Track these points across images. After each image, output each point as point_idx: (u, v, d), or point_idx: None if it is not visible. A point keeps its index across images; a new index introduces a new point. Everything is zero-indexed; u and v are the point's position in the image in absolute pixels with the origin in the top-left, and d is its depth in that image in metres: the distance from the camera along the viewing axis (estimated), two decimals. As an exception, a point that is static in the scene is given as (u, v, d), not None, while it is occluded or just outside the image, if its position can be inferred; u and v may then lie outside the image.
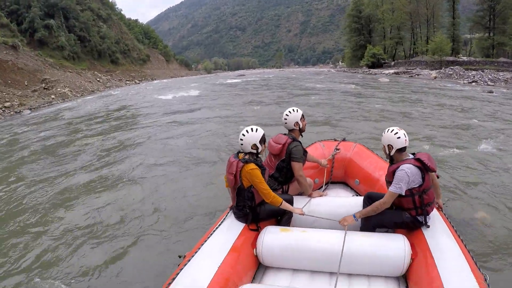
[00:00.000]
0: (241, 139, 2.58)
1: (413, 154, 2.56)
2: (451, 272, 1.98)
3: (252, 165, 2.47)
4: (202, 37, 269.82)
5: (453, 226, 2.53)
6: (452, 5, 46.10)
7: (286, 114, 3.12)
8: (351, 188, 3.82)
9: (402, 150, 2.54)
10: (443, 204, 2.87)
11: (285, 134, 3.13)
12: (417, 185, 2.43)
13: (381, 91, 18.37)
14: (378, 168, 3.45)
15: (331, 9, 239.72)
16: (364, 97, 15.41)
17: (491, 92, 19.41)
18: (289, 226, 2.78)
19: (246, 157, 2.56)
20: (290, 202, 2.79)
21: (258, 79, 32.61)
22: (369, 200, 2.69)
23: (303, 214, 2.71)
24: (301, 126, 3.15)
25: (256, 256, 2.48)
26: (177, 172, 5.69)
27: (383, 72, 38.97)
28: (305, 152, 3.09)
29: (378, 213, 2.50)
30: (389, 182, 2.53)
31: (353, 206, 2.80)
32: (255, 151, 2.59)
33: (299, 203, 2.90)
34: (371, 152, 3.86)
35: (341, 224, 2.53)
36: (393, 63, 47.93)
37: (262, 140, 2.61)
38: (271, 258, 2.46)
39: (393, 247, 2.31)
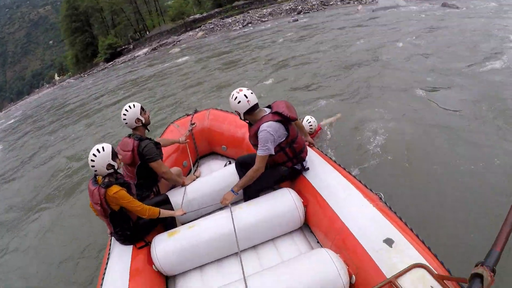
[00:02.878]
0: (93, 166, 2.24)
1: (269, 106, 2.39)
2: (344, 202, 2.02)
3: (114, 188, 2.21)
4: None
5: (331, 158, 2.54)
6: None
7: (124, 114, 2.70)
8: (222, 155, 3.72)
9: (253, 109, 2.33)
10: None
11: (129, 136, 2.72)
12: (284, 138, 2.31)
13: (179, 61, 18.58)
14: (238, 126, 3.37)
15: (25, 27, 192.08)
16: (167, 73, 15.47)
17: (296, 20, 23.08)
18: (176, 226, 2.62)
19: (106, 180, 2.27)
20: (166, 201, 2.68)
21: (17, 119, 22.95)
22: (240, 165, 2.66)
23: (185, 213, 2.59)
24: (143, 121, 2.78)
25: (158, 271, 2.26)
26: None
27: (136, 55, 35.60)
28: (157, 144, 2.81)
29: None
30: (254, 144, 2.38)
31: (229, 177, 2.75)
32: (112, 170, 2.30)
33: (176, 196, 2.77)
34: (225, 112, 3.70)
35: (223, 204, 2.46)
36: (131, 46, 44.84)
37: (114, 155, 2.32)
38: (172, 267, 2.30)
39: (282, 203, 2.31)
